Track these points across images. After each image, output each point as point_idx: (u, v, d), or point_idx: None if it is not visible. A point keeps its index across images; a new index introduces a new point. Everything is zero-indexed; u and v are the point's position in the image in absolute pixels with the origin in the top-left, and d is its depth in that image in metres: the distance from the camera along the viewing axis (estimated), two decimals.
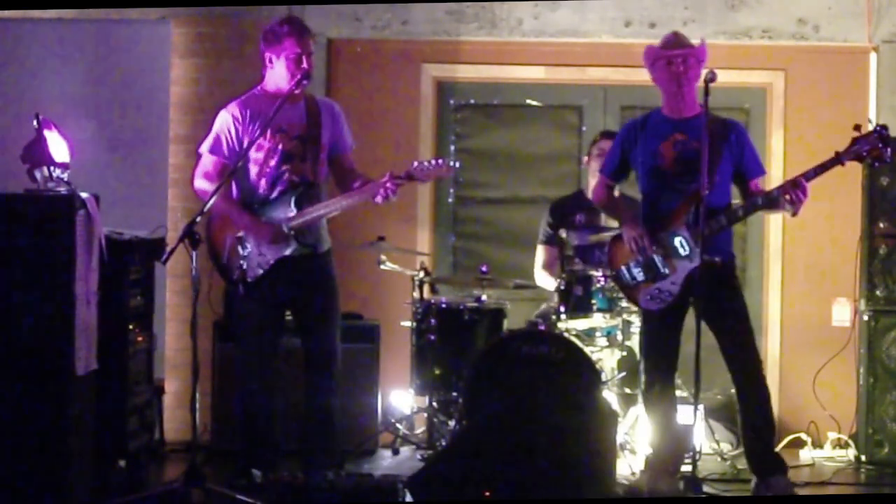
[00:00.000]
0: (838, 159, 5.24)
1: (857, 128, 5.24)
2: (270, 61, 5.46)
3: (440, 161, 5.48)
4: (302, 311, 5.56)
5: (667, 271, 5.43)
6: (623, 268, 5.55)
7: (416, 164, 5.41)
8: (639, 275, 5.50)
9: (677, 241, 5.40)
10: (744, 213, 5.48)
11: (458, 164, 5.61)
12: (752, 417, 5.50)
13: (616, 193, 5.81)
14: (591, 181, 6.58)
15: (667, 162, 5.45)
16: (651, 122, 5.57)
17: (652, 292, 5.47)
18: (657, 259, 5.44)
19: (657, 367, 5.55)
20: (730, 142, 5.46)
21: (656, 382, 5.55)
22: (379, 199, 5.36)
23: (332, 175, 5.63)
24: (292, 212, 5.41)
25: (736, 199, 5.59)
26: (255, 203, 5.46)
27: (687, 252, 5.37)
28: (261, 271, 5.43)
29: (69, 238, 5.09)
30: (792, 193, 5.24)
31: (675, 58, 5.42)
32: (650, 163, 5.50)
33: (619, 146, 5.64)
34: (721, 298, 5.41)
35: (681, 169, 5.41)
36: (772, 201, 5.35)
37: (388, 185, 5.30)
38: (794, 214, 5.35)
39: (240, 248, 5.43)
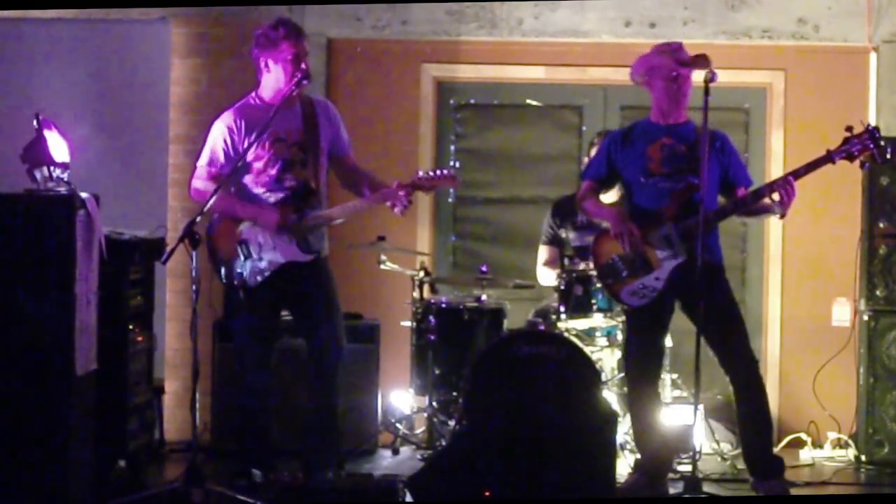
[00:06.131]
0: (829, 157, 5.24)
1: (850, 129, 5.24)
2: (267, 65, 5.43)
3: (445, 171, 5.47)
4: (306, 314, 5.53)
5: (652, 267, 5.41)
6: (608, 262, 5.52)
7: (420, 173, 5.42)
8: (623, 270, 5.47)
9: (663, 236, 5.38)
10: (731, 210, 5.44)
11: (457, 164, 5.62)
12: (749, 418, 5.48)
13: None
14: None
15: (654, 163, 5.44)
16: (637, 129, 5.57)
17: (636, 287, 5.45)
18: (643, 254, 5.42)
19: (643, 368, 5.53)
20: (716, 149, 5.45)
21: (643, 384, 5.53)
22: (398, 210, 5.37)
23: (338, 177, 5.60)
24: (294, 218, 5.40)
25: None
26: None
27: (672, 247, 5.35)
28: (260, 279, 5.42)
29: (69, 238, 5.08)
30: (780, 190, 5.24)
31: (683, 77, 5.41)
32: (638, 163, 5.47)
33: (605, 150, 5.61)
34: (707, 298, 5.39)
35: (667, 170, 5.40)
36: (759, 199, 5.33)
37: (402, 195, 5.31)
38: (783, 216, 5.38)
39: (241, 255, 5.42)
